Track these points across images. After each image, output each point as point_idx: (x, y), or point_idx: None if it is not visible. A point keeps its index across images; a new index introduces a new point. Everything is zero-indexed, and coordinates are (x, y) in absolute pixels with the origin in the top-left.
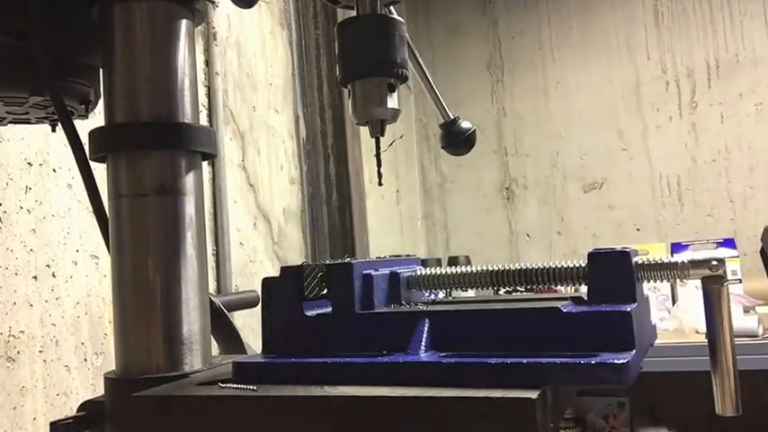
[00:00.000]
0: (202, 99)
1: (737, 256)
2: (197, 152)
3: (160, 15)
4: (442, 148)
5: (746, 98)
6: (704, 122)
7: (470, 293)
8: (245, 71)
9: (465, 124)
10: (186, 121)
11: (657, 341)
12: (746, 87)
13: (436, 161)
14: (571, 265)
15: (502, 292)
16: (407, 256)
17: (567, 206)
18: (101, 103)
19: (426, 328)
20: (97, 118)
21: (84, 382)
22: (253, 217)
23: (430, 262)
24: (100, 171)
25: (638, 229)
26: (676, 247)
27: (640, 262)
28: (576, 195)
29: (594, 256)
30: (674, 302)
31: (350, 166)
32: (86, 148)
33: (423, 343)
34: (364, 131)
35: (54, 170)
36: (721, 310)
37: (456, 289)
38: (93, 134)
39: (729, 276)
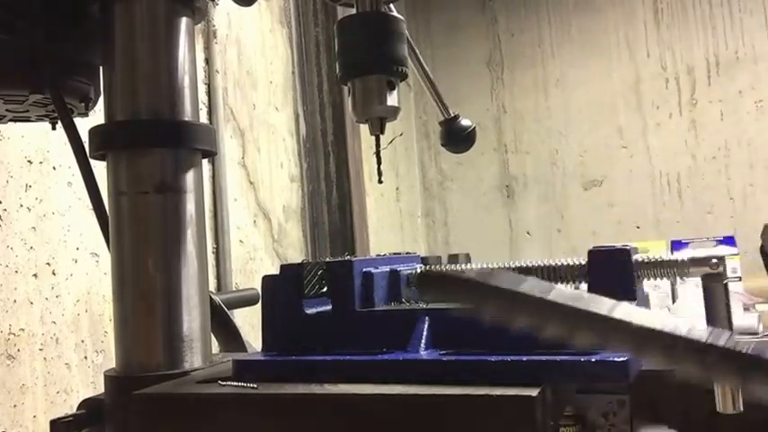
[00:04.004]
0: (202, 97)
1: (737, 254)
2: (197, 150)
3: (160, 13)
4: (443, 145)
5: (746, 95)
6: (704, 120)
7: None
8: (245, 69)
9: (465, 122)
10: (186, 118)
11: None
12: (746, 85)
13: (436, 159)
14: (571, 263)
15: None
16: (407, 253)
17: (566, 204)
18: (101, 100)
19: (426, 326)
20: (97, 116)
21: (85, 379)
22: (253, 215)
23: (430, 260)
24: (100, 169)
25: (638, 227)
26: (676, 245)
27: (640, 260)
28: (576, 193)
29: (594, 254)
30: (673, 300)
31: (350, 163)
32: (86, 145)
33: (423, 341)
34: (364, 129)
35: (54, 168)
36: (721, 307)
37: None
38: (94, 132)
39: (729, 274)
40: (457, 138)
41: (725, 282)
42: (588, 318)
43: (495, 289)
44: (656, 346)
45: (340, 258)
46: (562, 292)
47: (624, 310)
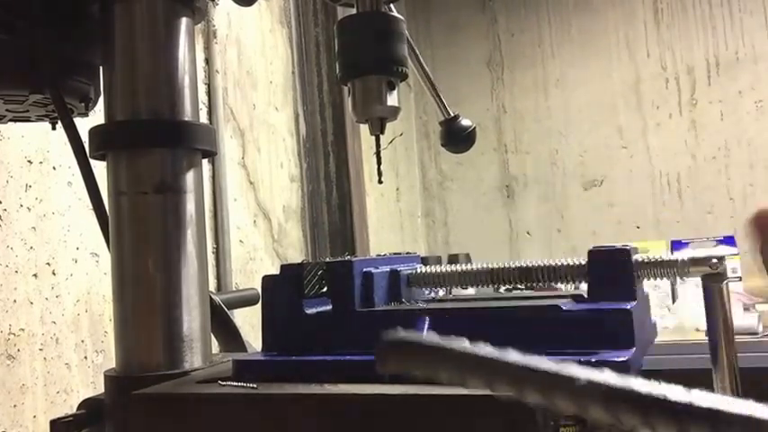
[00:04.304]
0: (202, 97)
1: (737, 254)
2: (197, 150)
3: (160, 13)
4: (442, 145)
5: (746, 96)
6: (704, 120)
7: (471, 291)
8: (246, 69)
9: (465, 122)
10: (186, 118)
11: (658, 339)
12: (746, 85)
13: (436, 159)
14: (571, 263)
15: (502, 289)
16: (407, 253)
17: (566, 204)
18: (101, 100)
19: (426, 326)
20: (97, 116)
21: (85, 379)
22: (253, 215)
23: (430, 260)
24: (100, 169)
25: (638, 227)
26: (676, 245)
27: (640, 260)
28: (576, 193)
29: (594, 254)
30: (674, 300)
31: (350, 163)
32: (86, 145)
33: None
34: (364, 129)
35: (54, 168)
36: (721, 307)
37: (456, 287)
38: (94, 132)
39: (729, 274)
40: (457, 138)
41: (725, 282)
42: (532, 372)
43: (452, 352)
44: (599, 404)
45: (340, 258)
46: (518, 355)
47: (574, 369)
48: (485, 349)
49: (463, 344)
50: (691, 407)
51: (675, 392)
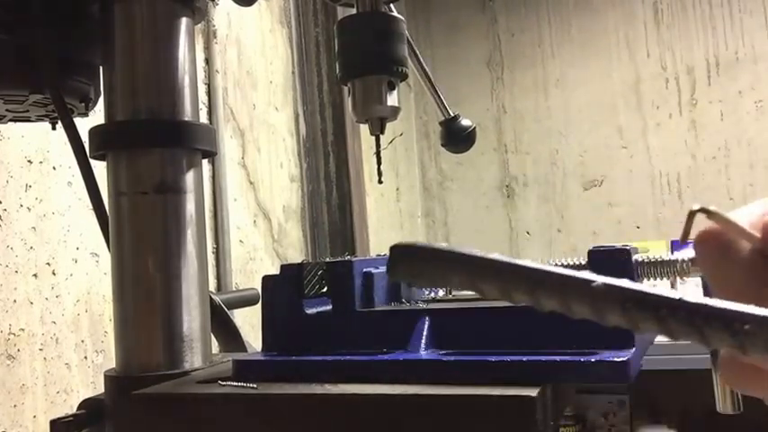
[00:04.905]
0: (202, 97)
1: None
2: (197, 150)
3: (160, 13)
4: (443, 145)
5: (746, 96)
6: (704, 120)
7: (470, 291)
8: (246, 69)
9: (465, 122)
10: (186, 118)
11: (657, 339)
12: (746, 85)
13: (436, 159)
14: (571, 263)
15: None
16: None
17: (567, 204)
18: (101, 100)
19: (426, 326)
20: (97, 116)
21: (85, 379)
22: (253, 215)
23: None
24: (100, 169)
25: (638, 227)
26: (676, 245)
27: (640, 259)
28: (577, 193)
29: (594, 254)
30: None
31: (350, 163)
32: (86, 145)
33: (423, 341)
34: (364, 129)
35: (54, 168)
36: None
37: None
38: (94, 132)
39: None
40: (457, 138)
41: None
42: (544, 276)
43: (465, 256)
44: (615, 305)
45: (340, 258)
46: (530, 262)
47: (587, 274)
48: (497, 255)
49: (475, 250)
50: (706, 308)
51: (691, 296)
